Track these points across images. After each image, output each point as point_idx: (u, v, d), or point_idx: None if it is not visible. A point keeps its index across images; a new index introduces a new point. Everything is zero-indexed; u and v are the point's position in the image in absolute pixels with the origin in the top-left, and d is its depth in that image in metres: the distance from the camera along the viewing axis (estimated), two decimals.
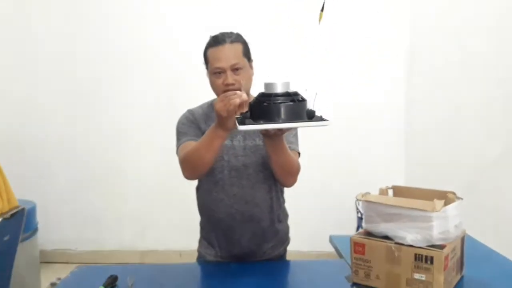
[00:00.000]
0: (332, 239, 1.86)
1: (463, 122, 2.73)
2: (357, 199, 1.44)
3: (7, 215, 2.16)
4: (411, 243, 1.30)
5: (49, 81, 3.44)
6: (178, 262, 2.87)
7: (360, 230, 1.49)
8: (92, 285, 1.41)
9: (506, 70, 2.35)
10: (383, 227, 1.36)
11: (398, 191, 1.54)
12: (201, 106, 1.65)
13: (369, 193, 1.45)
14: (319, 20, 1.74)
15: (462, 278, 1.45)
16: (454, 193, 1.41)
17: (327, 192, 3.40)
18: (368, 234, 1.41)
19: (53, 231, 3.44)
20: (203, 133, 1.48)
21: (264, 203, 1.60)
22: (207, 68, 1.55)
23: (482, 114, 2.55)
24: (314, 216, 3.36)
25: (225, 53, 1.47)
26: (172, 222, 3.46)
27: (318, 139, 2.86)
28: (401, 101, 3.39)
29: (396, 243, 1.33)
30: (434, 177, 2.92)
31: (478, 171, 2.57)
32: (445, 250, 1.27)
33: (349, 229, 3.02)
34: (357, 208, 3.23)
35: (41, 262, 3.08)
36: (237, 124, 1.25)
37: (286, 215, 1.74)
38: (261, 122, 1.23)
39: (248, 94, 1.49)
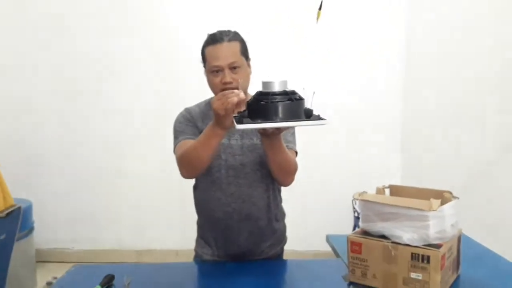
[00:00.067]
0: (329, 239, 1.86)
1: (460, 122, 2.74)
2: (354, 198, 1.45)
3: (3, 214, 2.15)
4: (407, 242, 1.30)
5: (46, 80, 3.42)
6: (175, 262, 2.87)
7: (357, 229, 1.49)
8: (88, 284, 1.40)
9: (503, 69, 2.36)
10: (380, 226, 1.37)
11: (395, 190, 1.54)
12: (198, 105, 1.65)
13: (366, 192, 1.45)
14: (317, 19, 1.75)
15: (458, 277, 1.46)
16: (450, 193, 1.41)
17: (324, 191, 3.41)
18: (365, 233, 1.41)
19: (49, 230, 3.43)
20: (200, 131, 1.48)
21: (261, 202, 1.59)
22: (204, 66, 1.55)
23: (478, 113, 2.56)
24: (311, 216, 3.37)
25: (223, 51, 1.47)
26: (168, 221, 3.46)
27: (315, 138, 2.87)
28: (397, 101, 3.40)
29: (392, 242, 1.33)
30: (431, 177, 2.93)
31: (474, 170, 2.58)
32: (442, 250, 1.27)
33: (346, 229, 3.03)
34: (354, 207, 3.24)
35: (37, 261, 3.08)
36: (235, 123, 1.25)
37: (283, 214, 1.74)
38: (259, 121, 1.23)
39: (245, 92, 1.49)
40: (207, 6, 3.28)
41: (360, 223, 1.44)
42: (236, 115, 1.30)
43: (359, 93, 3.37)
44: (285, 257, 1.75)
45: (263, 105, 1.24)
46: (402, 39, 3.34)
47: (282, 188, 1.69)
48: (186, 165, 1.48)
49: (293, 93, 1.26)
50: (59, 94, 3.43)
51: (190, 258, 1.74)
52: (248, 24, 2.81)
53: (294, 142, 1.60)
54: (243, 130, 1.54)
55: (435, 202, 1.29)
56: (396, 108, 3.41)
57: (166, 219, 3.47)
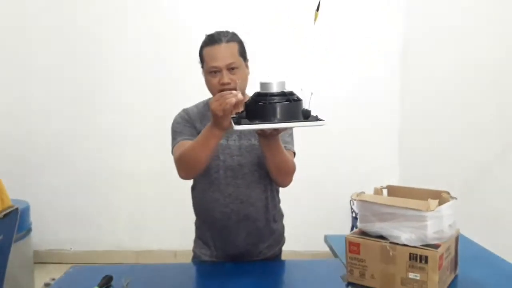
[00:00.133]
0: (327, 239, 1.86)
1: (458, 122, 2.74)
2: (352, 199, 1.44)
3: (0, 215, 2.14)
4: (405, 243, 1.30)
5: (44, 80, 3.42)
6: (173, 262, 2.86)
7: (355, 229, 1.49)
8: (86, 285, 1.40)
9: (501, 69, 2.36)
10: (378, 227, 1.37)
11: (393, 190, 1.54)
12: (196, 105, 1.65)
13: (363, 193, 1.45)
14: (314, 20, 1.75)
15: (456, 277, 1.46)
16: (448, 193, 1.41)
17: (322, 192, 3.41)
18: (363, 233, 1.41)
19: (47, 231, 3.42)
20: (198, 132, 1.48)
21: (259, 202, 1.60)
22: (202, 67, 1.55)
23: (476, 114, 2.57)
24: (309, 216, 3.37)
25: (221, 52, 1.47)
26: (167, 222, 3.46)
27: (313, 138, 2.86)
28: (395, 101, 3.41)
29: (391, 242, 1.33)
30: (428, 177, 2.93)
31: (472, 170, 2.59)
32: (440, 250, 1.28)
33: (344, 229, 3.03)
34: (352, 208, 3.24)
35: (35, 263, 3.06)
36: (233, 124, 1.25)
37: (281, 215, 1.74)
38: (257, 122, 1.23)
39: (243, 93, 1.49)
40: (207, 6, 3.28)
41: (358, 224, 1.45)
42: (234, 116, 1.30)
43: (358, 93, 3.38)
44: (283, 257, 1.75)
45: (261, 106, 1.24)
46: (400, 39, 3.35)
47: (280, 189, 1.69)
48: (184, 166, 1.48)
49: (291, 94, 1.26)
50: (57, 94, 3.42)
51: (188, 259, 1.74)
52: (248, 24, 2.82)
53: (292, 143, 1.60)
54: (241, 131, 1.54)
55: (433, 203, 1.29)
56: (394, 108, 3.41)
57: (164, 220, 3.47)
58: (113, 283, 1.43)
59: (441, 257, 1.28)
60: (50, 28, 3.37)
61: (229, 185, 1.57)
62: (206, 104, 1.61)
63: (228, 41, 1.49)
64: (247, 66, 1.55)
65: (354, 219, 3.20)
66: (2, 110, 3.43)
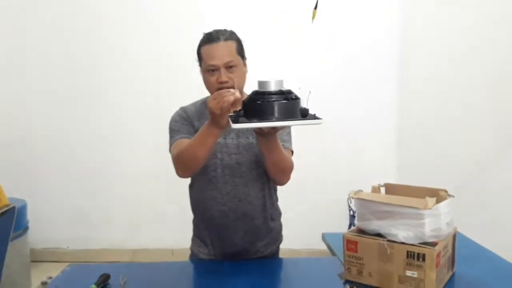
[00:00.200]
0: (324, 237, 1.87)
1: (455, 122, 2.75)
2: (350, 197, 1.45)
3: None
4: (403, 241, 1.31)
5: (41, 80, 3.40)
6: (170, 261, 2.86)
7: (353, 227, 1.49)
8: (84, 284, 1.39)
9: (497, 70, 2.37)
10: (375, 225, 1.37)
11: (391, 188, 1.54)
12: (194, 104, 1.64)
13: (361, 191, 1.45)
14: (312, 18, 1.75)
15: (453, 275, 1.47)
16: (445, 191, 1.42)
17: (320, 190, 3.41)
18: (361, 231, 1.42)
19: (44, 230, 3.41)
20: (196, 130, 1.48)
21: (257, 201, 1.60)
22: (200, 65, 1.54)
23: (473, 113, 2.58)
24: (307, 214, 3.37)
25: (219, 50, 1.47)
26: (164, 220, 3.45)
27: (311, 137, 2.87)
28: (393, 100, 3.41)
29: (388, 240, 1.34)
30: (426, 175, 2.94)
31: (469, 169, 2.60)
32: (437, 248, 1.28)
33: (342, 227, 3.04)
34: (350, 206, 3.25)
35: (31, 261, 3.06)
36: (231, 122, 1.25)
37: (279, 213, 1.74)
38: (255, 120, 1.23)
39: (241, 92, 1.49)
40: (207, 6, 3.27)
41: (356, 222, 1.45)
42: (232, 114, 1.29)
43: (356, 93, 3.38)
44: (281, 255, 1.75)
45: (259, 104, 1.24)
46: (396, 39, 3.35)
47: (278, 187, 1.69)
48: (181, 164, 1.47)
49: (289, 92, 1.26)
50: (54, 93, 3.41)
51: (186, 257, 1.74)
52: (248, 24, 2.82)
53: (290, 141, 1.60)
54: (239, 129, 1.54)
55: (431, 201, 1.29)
56: (392, 107, 3.42)
57: (161, 218, 3.47)
58: (110, 281, 1.43)
59: (438, 255, 1.29)
60: (50, 28, 3.35)
61: (227, 184, 1.56)
62: (204, 102, 1.61)
63: (226, 40, 1.49)
64: (245, 65, 1.55)
65: (352, 217, 3.21)
66: (0, 110, 3.41)
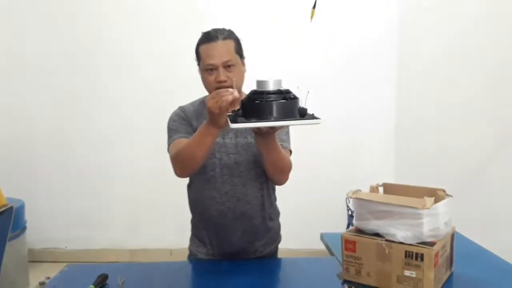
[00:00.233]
0: (323, 237, 1.87)
1: (453, 121, 2.75)
2: (348, 197, 1.45)
3: None
4: (401, 240, 1.31)
5: (39, 79, 3.39)
6: (169, 261, 2.86)
7: (351, 227, 1.49)
8: (82, 284, 1.39)
9: (497, 70, 2.37)
10: (373, 225, 1.37)
11: (389, 188, 1.54)
12: (192, 103, 1.64)
13: (359, 191, 1.45)
14: (311, 17, 1.75)
15: (451, 274, 1.47)
16: (444, 191, 1.42)
17: (318, 190, 3.41)
18: (359, 231, 1.42)
19: (42, 230, 3.40)
20: (194, 130, 1.47)
21: (255, 200, 1.59)
22: (198, 64, 1.54)
23: (471, 113, 2.58)
24: (305, 214, 3.37)
25: (217, 49, 1.47)
26: (162, 220, 3.45)
27: (310, 137, 2.86)
28: (391, 100, 3.42)
29: (386, 240, 1.33)
30: (424, 175, 2.94)
31: (468, 169, 2.60)
32: (435, 247, 1.28)
33: (340, 227, 3.04)
34: (348, 206, 3.25)
35: (29, 261, 3.06)
36: (229, 122, 1.25)
37: (277, 213, 1.74)
38: (253, 120, 1.23)
39: (240, 91, 1.49)
40: (207, 6, 3.27)
41: (354, 221, 1.45)
42: (230, 113, 1.29)
43: (355, 93, 3.38)
44: (279, 255, 1.75)
45: (257, 104, 1.23)
46: (394, 38, 3.36)
47: (276, 187, 1.69)
48: (180, 164, 1.47)
49: (288, 92, 1.26)
50: (54, 93, 3.40)
51: (184, 257, 1.74)
52: (248, 24, 2.82)
53: (288, 141, 1.60)
54: (237, 129, 1.54)
55: (429, 200, 1.29)
56: (391, 107, 3.42)
57: (160, 218, 3.46)
58: (108, 281, 1.43)
59: (436, 254, 1.29)
60: (50, 28, 3.34)
61: (225, 183, 1.56)
62: (202, 101, 1.61)
63: (224, 39, 1.49)
64: (243, 64, 1.55)
65: (350, 217, 3.21)
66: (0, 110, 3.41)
